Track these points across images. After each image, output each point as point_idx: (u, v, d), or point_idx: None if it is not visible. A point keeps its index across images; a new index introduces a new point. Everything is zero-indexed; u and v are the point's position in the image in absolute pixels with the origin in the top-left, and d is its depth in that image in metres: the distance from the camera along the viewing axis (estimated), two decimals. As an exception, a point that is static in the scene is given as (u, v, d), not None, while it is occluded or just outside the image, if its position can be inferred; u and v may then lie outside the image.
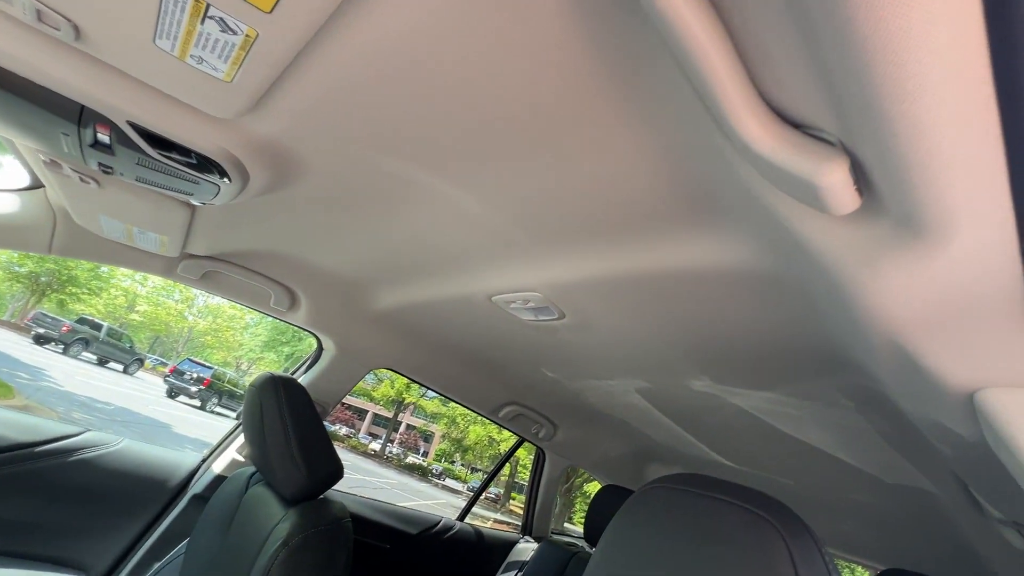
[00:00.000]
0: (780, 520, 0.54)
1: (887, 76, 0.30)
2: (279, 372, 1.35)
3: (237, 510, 1.27)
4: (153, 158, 0.77)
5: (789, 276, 0.69)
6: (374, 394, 21.96)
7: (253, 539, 1.12)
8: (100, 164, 0.84)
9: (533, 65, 0.52)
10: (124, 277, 23.72)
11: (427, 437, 28.74)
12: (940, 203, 0.37)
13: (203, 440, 9.74)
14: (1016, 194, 0.34)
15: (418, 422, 28.18)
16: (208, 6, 0.47)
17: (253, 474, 1.35)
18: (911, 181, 0.36)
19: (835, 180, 0.40)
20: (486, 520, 13.80)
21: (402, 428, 27.98)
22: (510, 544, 2.51)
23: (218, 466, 1.73)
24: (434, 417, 23.16)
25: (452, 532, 2.30)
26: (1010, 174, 0.33)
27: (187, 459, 1.76)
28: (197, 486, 1.67)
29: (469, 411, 2.26)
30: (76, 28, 0.54)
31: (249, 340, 29.38)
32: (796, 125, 0.42)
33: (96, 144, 0.76)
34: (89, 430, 1.61)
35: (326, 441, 1.27)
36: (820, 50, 0.33)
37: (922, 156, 0.34)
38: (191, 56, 0.54)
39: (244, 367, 31.18)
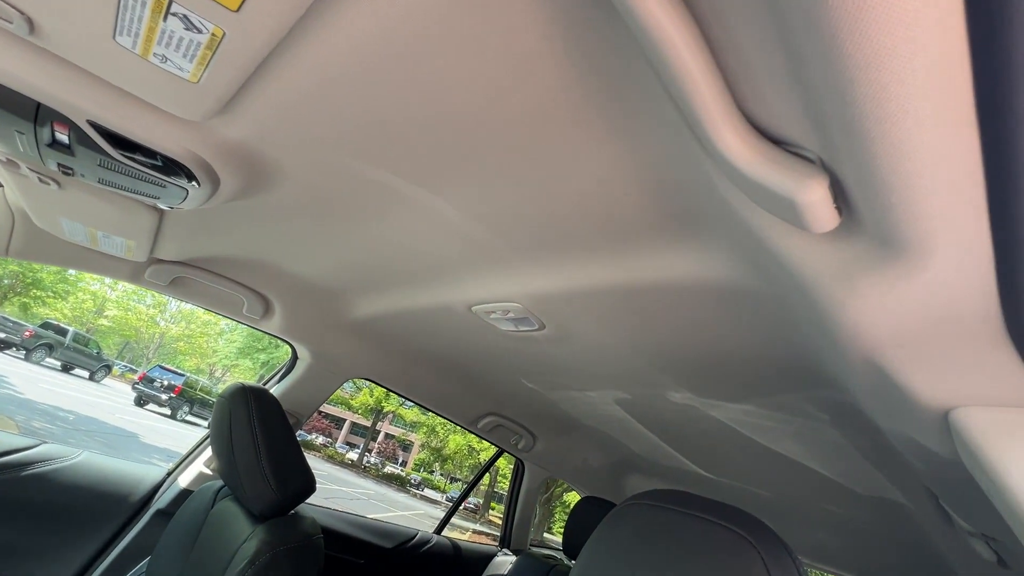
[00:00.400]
0: (758, 538, 0.55)
1: (869, 96, 0.29)
2: (250, 382, 1.31)
3: (203, 526, 1.22)
4: (116, 159, 0.74)
5: (768, 291, 0.69)
6: (352, 403, 21.61)
7: (218, 557, 1.07)
8: (59, 165, 0.80)
9: (512, 74, 0.51)
10: (93, 280, 22.98)
11: (406, 446, 28.36)
12: (918, 224, 0.37)
13: (172, 450, 9.42)
14: (994, 217, 0.34)
15: (397, 431, 27.81)
16: (171, 2, 0.44)
17: (221, 488, 1.30)
18: (890, 202, 0.36)
19: (814, 198, 0.40)
20: (465, 531, 13.64)
21: (380, 437, 27.56)
22: (488, 557, 2.47)
23: (184, 480, 1.66)
24: (413, 426, 22.88)
25: (429, 546, 2.26)
26: (988, 197, 0.33)
27: (151, 473, 1.68)
28: (161, 501, 1.60)
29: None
30: (30, 21, 0.51)
31: (224, 346, 28.69)
32: (776, 141, 0.42)
33: (54, 144, 0.72)
34: (45, 442, 1.53)
35: (298, 454, 1.23)
36: (802, 66, 0.33)
37: (902, 177, 0.33)
38: (154, 54, 0.51)
39: (218, 374, 30.41)
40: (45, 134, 0.70)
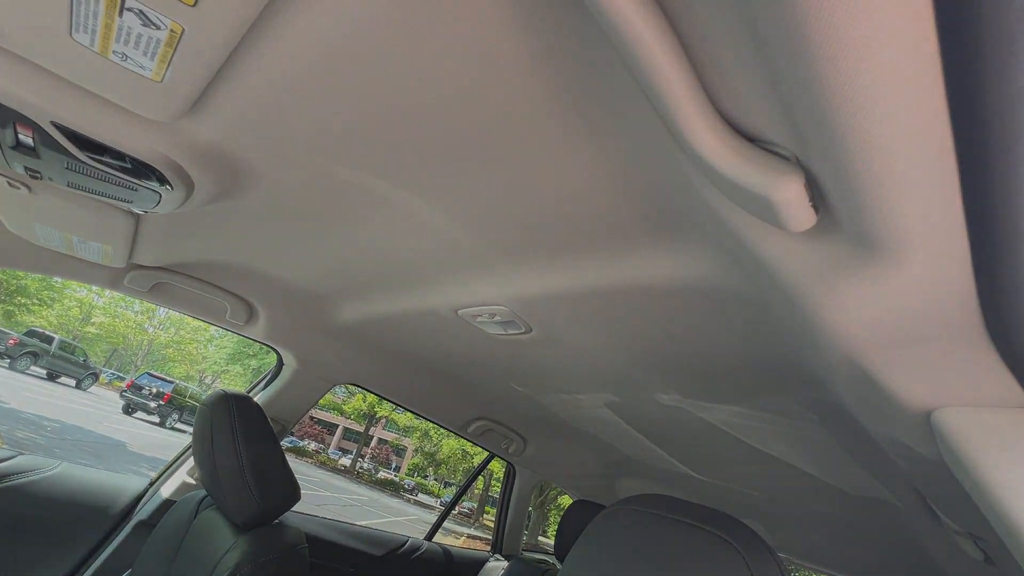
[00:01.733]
0: (739, 540, 0.56)
1: (839, 87, 0.29)
2: (232, 389, 1.29)
3: (185, 537, 1.19)
4: (83, 162, 0.72)
5: (750, 292, 0.69)
6: (345, 408, 21.43)
7: (200, 569, 1.05)
8: (26, 168, 0.78)
9: (487, 72, 0.50)
10: (79, 287, 22.69)
11: (399, 451, 28.19)
12: (893, 222, 0.36)
13: (161, 459, 9.29)
14: (970, 214, 0.33)
15: (390, 436, 27.63)
16: None
17: (204, 498, 1.28)
18: (865, 198, 0.35)
19: (790, 196, 0.39)
20: (459, 536, 13.57)
21: (374, 442, 27.36)
22: (480, 563, 2.45)
23: (167, 490, 1.63)
24: (407, 431, 22.71)
25: (419, 552, 2.23)
26: (963, 193, 0.32)
27: (132, 483, 1.65)
28: (142, 512, 1.57)
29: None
30: None
31: (214, 353, 28.38)
32: (751, 138, 0.41)
33: (18, 146, 0.70)
34: (21, 453, 1.50)
35: (282, 462, 1.21)
36: (772, 59, 0.32)
37: (875, 173, 0.33)
38: (114, 52, 0.50)
39: (208, 381, 30.10)
40: (8, 136, 0.68)
